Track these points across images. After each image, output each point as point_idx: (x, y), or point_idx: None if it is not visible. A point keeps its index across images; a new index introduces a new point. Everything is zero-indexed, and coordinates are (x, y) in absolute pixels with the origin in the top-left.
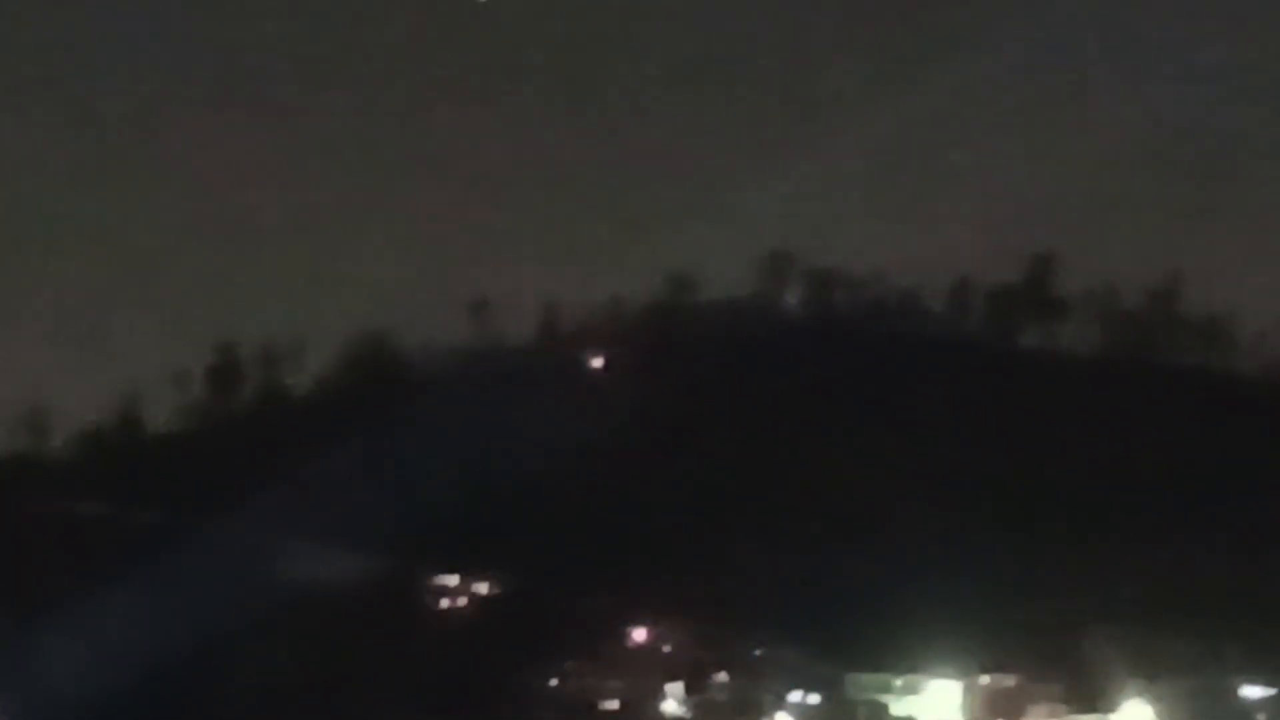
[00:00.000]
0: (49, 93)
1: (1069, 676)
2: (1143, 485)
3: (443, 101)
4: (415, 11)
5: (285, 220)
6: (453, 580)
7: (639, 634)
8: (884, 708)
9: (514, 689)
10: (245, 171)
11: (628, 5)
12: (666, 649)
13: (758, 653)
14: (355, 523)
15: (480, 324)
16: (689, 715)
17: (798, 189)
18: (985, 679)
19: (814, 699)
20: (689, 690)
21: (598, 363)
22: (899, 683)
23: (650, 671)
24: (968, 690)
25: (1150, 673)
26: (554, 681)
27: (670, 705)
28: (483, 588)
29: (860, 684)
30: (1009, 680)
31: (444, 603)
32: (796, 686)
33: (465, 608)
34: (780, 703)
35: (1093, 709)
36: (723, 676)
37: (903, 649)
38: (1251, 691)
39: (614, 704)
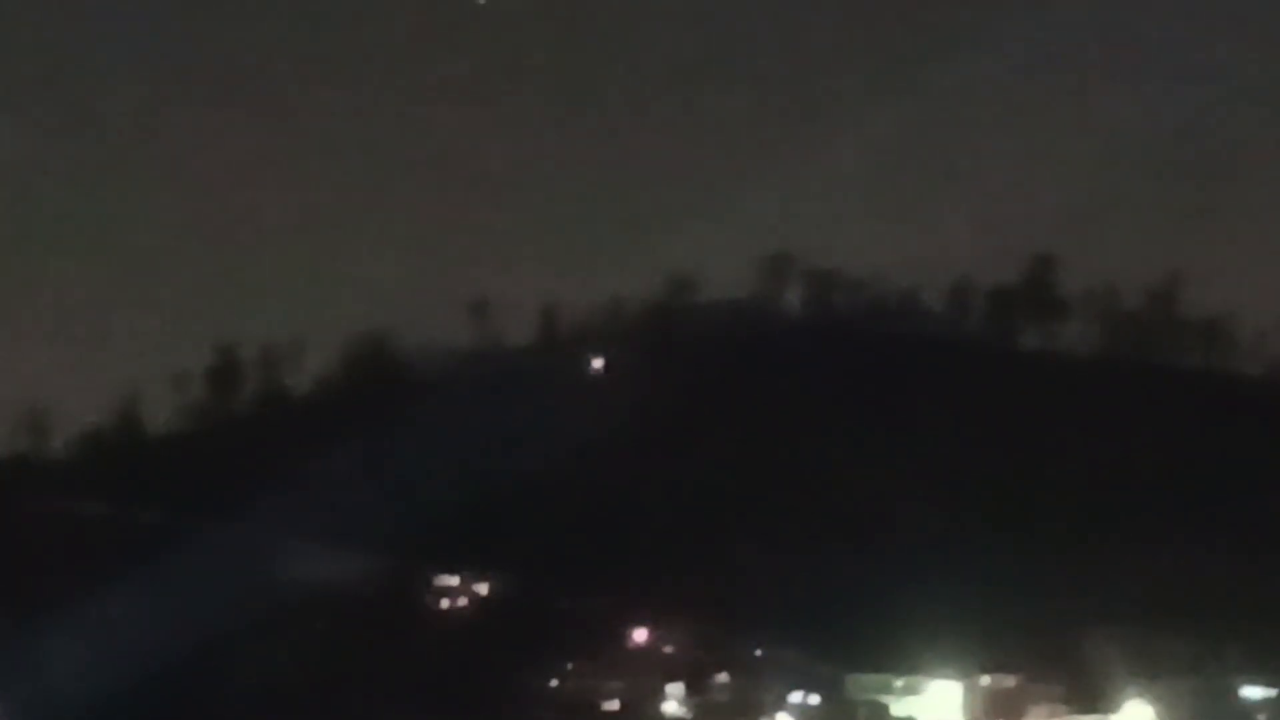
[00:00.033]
0: (49, 93)
1: (1069, 676)
2: (1143, 486)
3: (443, 101)
4: (415, 11)
5: (285, 220)
6: (453, 580)
7: (639, 634)
8: (884, 708)
9: (514, 689)
10: (245, 171)
11: (628, 5)
12: (667, 649)
13: (758, 653)
14: (355, 523)
15: (480, 324)
16: (689, 715)
17: (798, 189)
18: (986, 679)
19: (814, 699)
20: (689, 691)
21: (598, 363)
22: (899, 683)
23: (651, 672)
24: (968, 691)
25: (1150, 673)
26: (554, 682)
27: (671, 706)
28: (483, 588)
29: (861, 684)
30: (1009, 680)
31: (444, 603)
32: (797, 687)
33: (465, 608)
34: (780, 703)
35: (1093, 709)
36: (723, 677)
37: (903, 649)
38: (1251, 691)
39: (614, 704)
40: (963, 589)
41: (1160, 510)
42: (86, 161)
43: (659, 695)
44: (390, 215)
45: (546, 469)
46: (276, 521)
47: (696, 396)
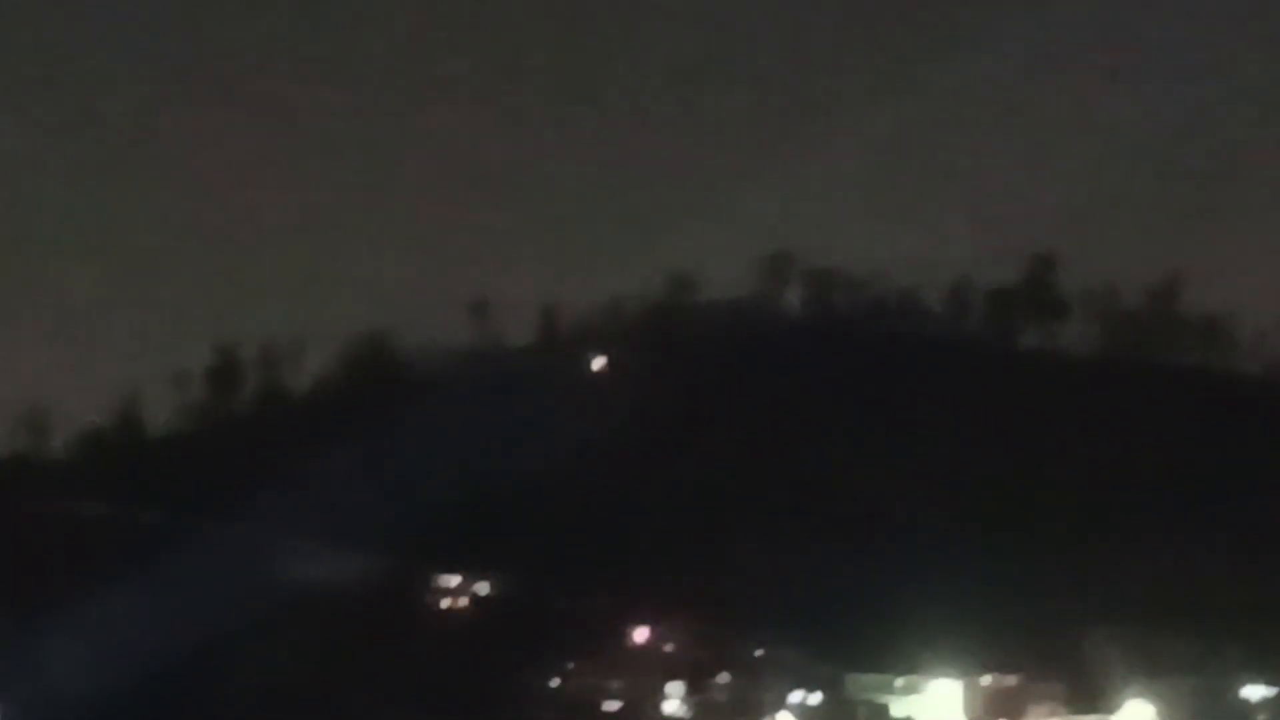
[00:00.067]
0: (49, 93)
1: (1069, 676)
2: (1143, 486)
3: (443, 101)
4: (415, 11)
5: (285, 220)
6: (453, 580)
7: (640, 634)
8: (884, 708)
9: (514, 689)
10: (245, 171)
11: (628, 5)
12: (667, 649)
13: (758, 653)
14: (355, 523)
15: (480, 324)
16: (690, 715)
17: (798, 189)
18: (986, 679)
19: (814, 699)
20: (690, 690)
21: (598, 363)
22: (900, 683)
23: (651, 671)
24: (968, 690)
25: (1150, 672)
26: (555, 682)
27: (671, 705)
28: (483, 588)
29: (861, 684)
30: (1010, 680)
31: (444, 603)
32: (797, 686)
33: (465, 608)
34: (781, 703)
35: (1093, 709)
36: (723, 676)
37: (903, 649)
38: (1251, 691)
39: (615, 704)
40: (962, 589)
41: (1160, 510)
42: (86, 161)
43: (659, 695)
44: (390, 215)
45: (546, 469)
46: (276, 521)
47: (696, 396)
